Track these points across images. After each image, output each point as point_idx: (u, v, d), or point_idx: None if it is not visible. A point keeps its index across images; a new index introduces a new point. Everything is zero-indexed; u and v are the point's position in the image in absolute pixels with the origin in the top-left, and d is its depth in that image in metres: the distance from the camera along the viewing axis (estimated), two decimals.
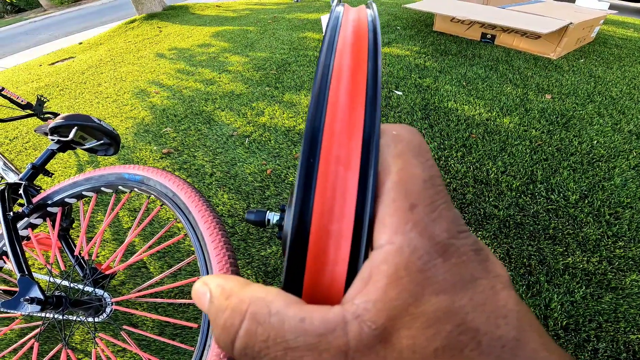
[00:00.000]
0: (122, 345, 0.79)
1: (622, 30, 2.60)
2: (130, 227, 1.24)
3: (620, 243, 0.97)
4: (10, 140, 1.92)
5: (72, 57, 3.33)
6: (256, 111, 1.70)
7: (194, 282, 0.93)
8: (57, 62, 3.27)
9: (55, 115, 1.56)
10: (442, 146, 1.29)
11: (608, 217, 1.04)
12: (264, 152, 1.42)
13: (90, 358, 0.92)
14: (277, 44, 2.50)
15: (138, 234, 1.22)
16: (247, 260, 1.07)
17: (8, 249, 0.82)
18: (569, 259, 0.94)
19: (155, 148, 1.60)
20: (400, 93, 1.58)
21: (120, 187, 0.87)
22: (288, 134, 1.49)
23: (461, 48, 2.01)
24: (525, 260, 0.95)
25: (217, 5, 4.57)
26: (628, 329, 0.80)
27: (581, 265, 0.92)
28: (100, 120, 1.00)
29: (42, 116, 1.58)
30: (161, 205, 0.93)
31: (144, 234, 1.20)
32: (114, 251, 1.13)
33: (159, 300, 0.83)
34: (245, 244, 1.11)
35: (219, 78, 2.15)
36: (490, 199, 1.10)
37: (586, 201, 1.09)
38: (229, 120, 1.68)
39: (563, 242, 0.98)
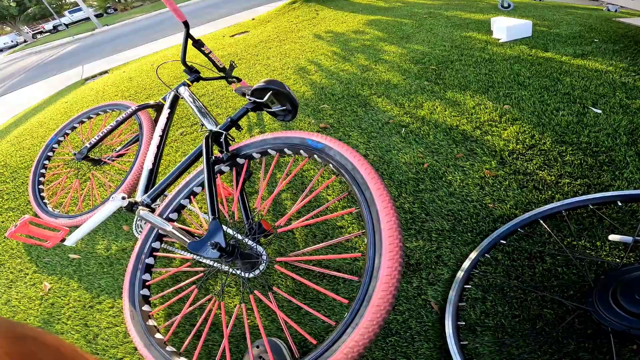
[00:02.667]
0: (270, 305, 0.80)
1: None
2: (301, 192, 1.30)
3: None
4: (199, 96, 2.40)
5: (247, 32, 3.93)
6: (414, 103, 1.70)
7: (355, 257, 0.96)
8: (236, 34, 3.92)
9: (238, 79, 1.87)
10: None
11: None
12: (421, 144, 1.42)
13: (233, 311, 0.95)
14: (436, 40, 2.42)
15: (307, 202, 1.22)
16: None
17: (206, 190, 0.87)
18: None
19: (313, 121, 1.77)
20: (599, 111, 1.34)
21: (301, 150, 0.90)
22: (450, 132, 1.44)
23: None
24: None
25: None
26: None
27: None
28: (290, 89, 1.11)
29: (229, 79, 1.88)
30: (337, 176, 0.97)
31: (311, 202, 1.27)
32: (282, 211, 1.25)
33: (316, 268, 0.83)
34: None
35: (375, 66, 2.22)
36: None
37: None
38: (385, 108, 1.73)
39: None
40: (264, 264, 0.85)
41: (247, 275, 0.84)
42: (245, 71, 2.66)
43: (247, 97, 1.04)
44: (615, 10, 2.90)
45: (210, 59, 1.67)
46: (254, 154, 0.99)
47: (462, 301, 0.91)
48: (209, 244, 0.79)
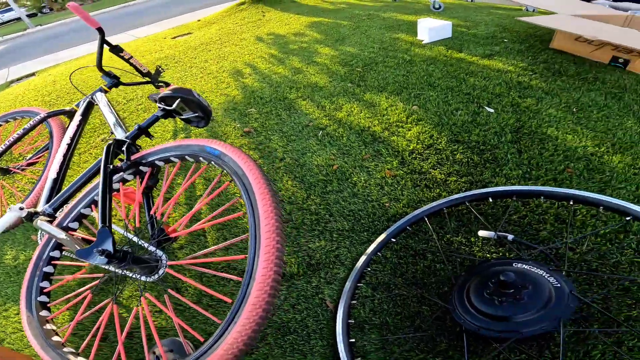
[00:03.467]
0: (161, 307, 0.84)
1: None
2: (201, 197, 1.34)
3: None
4: (127, 101, 2.31)
5: (190, 33, 3.82)
6: (335, 105, 1.74)
7: (242, 259, 1.00)
8: (178, 36, 3.80)
9: (167, 84, 1.83)
10: (527, 175, 1.15)
11: None
12: (334, 147, 1.46)
13: (130, 315, 0.98)
14: (367, 42, 2.49)
15: (206, 205, 1.32)
16: (294, 249, 1.12)
17: (99, 198, 0.90)
18: None
19: (238, 125, 1.76)
20: (492, 110, 1.45)
21: (201, 158, 0.94)
22: (361, 133, 1.49)
23: (581, 70, 1.73)
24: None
25: None
26: None
27: None
28: (199, 96, 1.14)
29: (156, 84, 1.85)
30: (230, 182, 1.01)
31: (211, 205, 1.32)
32: (183, 216, 1.26)
33: (205, 270, 0.86)
34: (296, 232, 1.17)
35: (306, 68, 2.24)
36: (569, 242, 0.96)
37: None
38: (307, 110, 1.75)
39: None
40: (163, 268, 0.87)
41: (146, 279, 0.87)
42: (181, 74, 2.59)
43: (157, 104, 1.06)
44: (533, 10, 3.10)
45: (131, 64, 1.63)
46: (157, 162, 1.01)
47: (354, 299, 0.95)
48: (95, 251, 0.81)
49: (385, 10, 3.32)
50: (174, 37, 3.73)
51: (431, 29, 2.23)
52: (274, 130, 1.66)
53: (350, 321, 0.90)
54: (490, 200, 1.04)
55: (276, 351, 0.88)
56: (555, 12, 2.16)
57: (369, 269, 1.02)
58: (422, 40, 2.30)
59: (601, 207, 0.88)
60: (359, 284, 0.98)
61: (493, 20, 2.54)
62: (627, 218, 0.82)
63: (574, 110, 1.43)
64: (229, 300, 0.79)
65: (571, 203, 0.94)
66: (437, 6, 3.09)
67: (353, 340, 0.87)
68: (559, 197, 0.96)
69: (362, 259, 1.01)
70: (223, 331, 0.68)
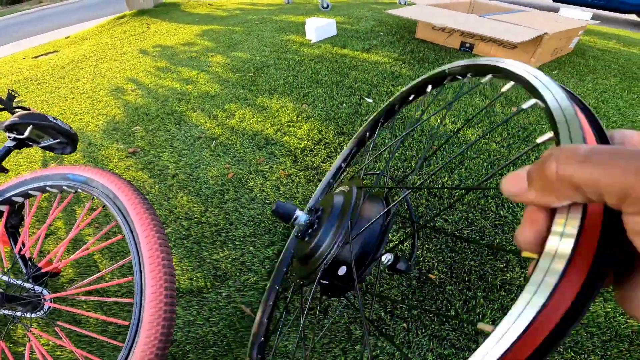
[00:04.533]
0: (56, 341, 0.80)
1: (604, 42, 2.63)
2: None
3: None
4: None
5: (56, 51, 3.30)
6: (227, 113, 1.70)
7: (128, 281, 0.94)
8: (41, 55, 3.25)
9: (26, 109, 1.56)
10: (403, 157, 1.29)
11: None
12: (228, 155, 1.42)
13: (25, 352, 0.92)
14: (259, 46, 2.50)
15: (92, 232, 1.21)
16: (198, 264, 1.06)
17: None
18: (507, 275, 0.95)
19: (122, 147, 1.59)
20: (370, 101, 1.58)
21: (64, 187, 0.87)
22: (254, 138, 1.49)
23: (439, 56, 2.02)
24: (466, 275, 0.96)
25: (209, 4, 4.55)
26: None
27: (518, 282, 0.93)
28: (57, 119, 1.01)
29: (11, 110, 1.57)
30: (103, 207, 0.94)
31: (96, 232, 1.19)
32: (62, 254, 1.13)
33: (92, 298, 0.85)
34: (198, 246, 1.11)
35: (197, 78, 2.14)
36: (442, 213, 1.11)
37: None
38: (199, 122, 1.67)
39: (504, 258, 0.99)
40: (47, 303, 0.85)
41: (30, 315, 0.84)
42: (45, 97, 2.22)
43: (6, 133, 0.94)
44: (404, 2, 3.49)
45: None
46: (14, 198, 0.90)
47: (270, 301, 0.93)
48: None
49: (278, 13, 3.38)
50: (36, 57, 3.17)
51: (317, 28, 2.34)
52: (163, 147, 1.54)
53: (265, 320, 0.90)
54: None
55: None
56: (415, 3, 2.46)
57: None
58: (310, 40, 2.41)
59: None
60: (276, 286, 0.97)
61: (372, 15, 2.79)
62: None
63: (434, 93, 1.66)
64: (126, 323, 0.75)
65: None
66: (325, 5, 3.26)
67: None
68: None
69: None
70: (127, 354, 0.66)
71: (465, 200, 1.13)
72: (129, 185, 0.82)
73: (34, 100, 2.20)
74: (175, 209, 1.24)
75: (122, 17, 4.10)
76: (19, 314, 0.85)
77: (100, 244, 0.90)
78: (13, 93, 1.55)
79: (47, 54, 3.27)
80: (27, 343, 0.84)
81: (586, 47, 2.45)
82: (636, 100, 1.76)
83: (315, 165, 1.30)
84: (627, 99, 1.77)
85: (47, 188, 0.88)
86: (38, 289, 0.85)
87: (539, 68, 2.04)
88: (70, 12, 7.18)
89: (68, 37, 3.82)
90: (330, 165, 1.28)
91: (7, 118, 1.97)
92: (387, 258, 0.67)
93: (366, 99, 1.60)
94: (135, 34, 3.46)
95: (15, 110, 1.60)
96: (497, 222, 1.08)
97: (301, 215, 0.62)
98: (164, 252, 0.72)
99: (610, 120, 1.56)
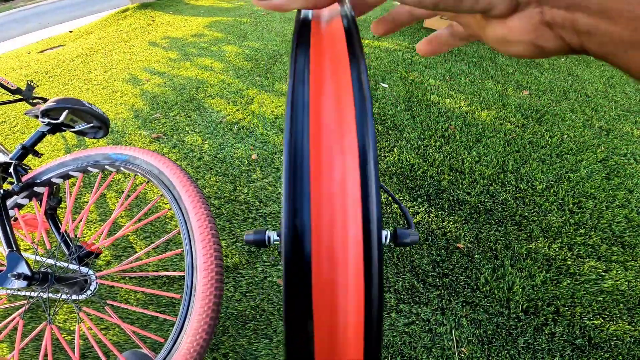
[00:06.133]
0: (107, 319, 0.81)
1: None
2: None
3: (582, 231, 1.04)
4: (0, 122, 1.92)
5: (62, 45, 3.30)
6: (246, 99, 1.74)
7: (178, 253, 0.98)
8: (47, 49, 3.25)
9: (44, 100, 1.59)
10: (422, 136, 1.35)
11: (572, 206, 1.11)
12: (251, 138, 1.46)
13: (75, 335, 0.93)
14: (269, 36, 2.53)
15: (125, 214, 1.25)
16: (231, 240, 1.11)
17: None
18: (532, 244, 1.00)
19: (144, 133, 1.62)
20: (386, 85, 1.63)
21: (107, 166, 0.89)
22: (275, 121, 1.53)
23: None
24: (492, 244, 1.01)
25: None
26: (584, 314, 0.85)
27: (543, 251, 0.98)
28: (92, 105, 1.04)
29: (31, 101, 1.61)
30: (147, 183, 0.96)
31: (130, 214, 1.23)
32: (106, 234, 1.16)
33: (143, 273, 0.86)
34: (230, 224, 1.15)
35: (211, 67, 2.17)
36: (464, 187, 1.16)
37: (552, 190, 1.16)
38: (219, 108, 1.71)
39: (528, 228, 1.05)
40: (94, 283, 0.85)
41: (79, 297, 0.85)
42: (59, 89, 2.24)
43: (39, 119, 0.94)
44: None
45: None
46: (54, 179, 0.92)
47: None
48: (10, 275, 0.78)
49: None
50: (42, 51, 3.17)
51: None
52: (186, 132, 1.58)
53: None
54: None
55: (241, 341, 0.88)
56: None
57: None
58: None
59: None
60: None
61: (380, 6, 2.83)
62: None
63: (447, 79, 1.71)
64: (178, 296, 0.78)
65: None
66: None
67: None
68: None
69: None
70: (180, 327, 0.67)
71: (486, 175, 1.19)
72: (172, 161, 0.85)
73: (48, 93, 2.21)
74: (205, 188, 1.28)
75: (125, 10, 4.10)
76: (64, 296, 0.86)
77: (138, 224, 0.91)
78: (32, 84, 1.59)
79: (52, 48, 3.27)
80: (77, 325, 0.85)
81: None
82: None
83: None
84: (633, 84, 1.83)
85: (89, 168, 0.90)
86: (84, 269, 0.86)
87: None
88: (67, 7, 7.13)
89: (72, 31, 3.82)
90: None
91: (26, 108, 2.00)
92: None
93: (381, 84, 1.65)
94: (141, 26, 3.47)
95: (35, 101, 1.63)
96: (517, 195, 1.14)
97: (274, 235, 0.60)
98: (211, 222, 0.75)
99: (618, 104, 1.62)
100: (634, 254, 0.97)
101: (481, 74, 1.77)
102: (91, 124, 1.03)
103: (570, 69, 1.92)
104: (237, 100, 1.75)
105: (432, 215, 1.09)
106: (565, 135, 1.38)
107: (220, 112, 1.67)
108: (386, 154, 1.27)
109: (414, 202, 1.12)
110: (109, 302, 0.87)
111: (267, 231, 0.32)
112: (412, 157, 1.25)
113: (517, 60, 1.97)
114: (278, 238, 0.31)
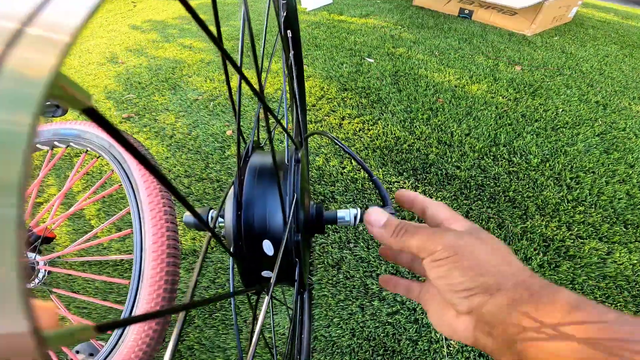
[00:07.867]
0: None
1: (601, 14, 2.62)
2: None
3: (580, 208, 0.96)
4: None
5: None
6: (224, 77, 1.63)
7: (128, 234, 0.89)
8: None
9: None
10: (408, 109, 1.26)
11: (569, 181, 1.03)
12: (227, 114, 1.37)
13: None
14: (253, 16, 2.42)
15: (83, 196, 1.15)
16: None
17: None
18: (528, 222, 0.92)
19: (116, 114, 1.52)
20: (371, 60, 1.54)
21: (55, 142, 0.82)
22: (253, 98, 1.43)
23: (438, 22, 1.98)
24: (484, 223, 0.93)
25: None
26: None
27: (539, 230, 0.90)
28: None
29: None
30: (97, 158, 0.87)
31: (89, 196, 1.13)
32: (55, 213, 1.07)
33: (89, 258, 0.77)
34: (200, 204, 1.06)
35: (190, 47, 2.07)
36: (453, 160, 1.08)
37: (547, 165, 1.08)
38: (195, 86, 1.61)
39: (522, 205, 0.97)
40: (42, 271, 0.78)
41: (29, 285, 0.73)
42: None
43: None
44: None
45: None
46: None
47: None
48: None
49: None
50: None
51: None
52: (158, 111, 1.47)
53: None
54: None
55: (207, 332, 0.79)
56: None
57: None
58: (306, 8, 2.35)
59: None
60: None
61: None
62: None
63: (436, 54, 1.62)
64: (126, 282, 0.68)
65: None
66: None
67: None
68: None
69: None
70: (129, 313, 0.59)
71: (477, 148, 1.11)
72: (123, 133, 0.77)
73: None
74: (175, 167, 1.18)
75: None
76: None
77: (89, 201, 0.81)
78: None
79: None
80: None
81: (585, 18, 2.44)
82: (638, 65, 1.75)
83: (319, 119, 1.26)
84: (629, 63, 1.76)
85: (37, 146, 0.82)
86: (31, 255, 0.79)
87: (540, 34, 2.02)
88: None
89: None
90: (334, 118, 1.24)
91: None
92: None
93: (367, 59, 1.56)
94: (121, 12, 3.32)
95: None
96: (511, 169, 1.06)
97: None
98: (164, 197, 0.66)
99: (614, 81, 1.55)
100: (638, 234, 0.89)
101: (472, 49, 1.69)
102: (47, 102, 0.96)
103: (563, 47, 1.85)
104: (215, 77, 1.65)
105: (418, 190, 1.01)
106: (560, 109, 1.30)
107: (196, 91, 1.57)
108: (370, 127, 1.18)
109: (400, 177, 1.03)
110: (55, 290, 0.78)
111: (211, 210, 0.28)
112: (398, 129, 1.16)
113: (508, 38, 1.89)
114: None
